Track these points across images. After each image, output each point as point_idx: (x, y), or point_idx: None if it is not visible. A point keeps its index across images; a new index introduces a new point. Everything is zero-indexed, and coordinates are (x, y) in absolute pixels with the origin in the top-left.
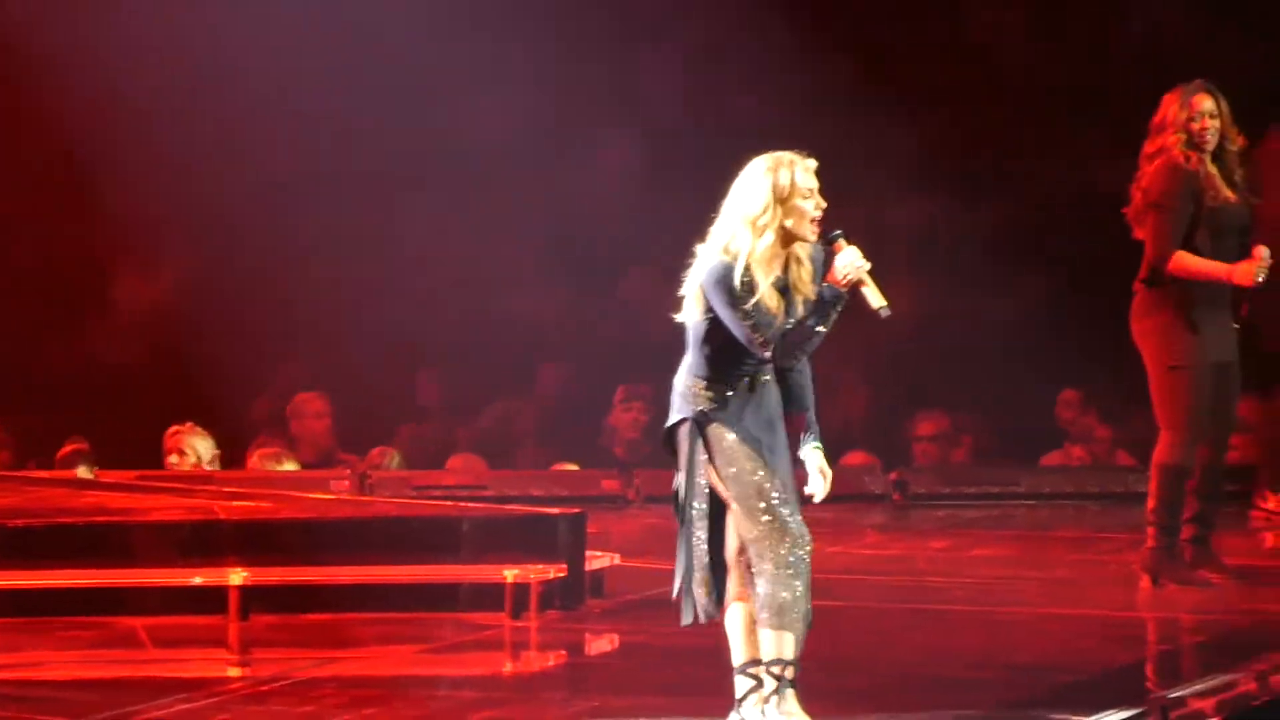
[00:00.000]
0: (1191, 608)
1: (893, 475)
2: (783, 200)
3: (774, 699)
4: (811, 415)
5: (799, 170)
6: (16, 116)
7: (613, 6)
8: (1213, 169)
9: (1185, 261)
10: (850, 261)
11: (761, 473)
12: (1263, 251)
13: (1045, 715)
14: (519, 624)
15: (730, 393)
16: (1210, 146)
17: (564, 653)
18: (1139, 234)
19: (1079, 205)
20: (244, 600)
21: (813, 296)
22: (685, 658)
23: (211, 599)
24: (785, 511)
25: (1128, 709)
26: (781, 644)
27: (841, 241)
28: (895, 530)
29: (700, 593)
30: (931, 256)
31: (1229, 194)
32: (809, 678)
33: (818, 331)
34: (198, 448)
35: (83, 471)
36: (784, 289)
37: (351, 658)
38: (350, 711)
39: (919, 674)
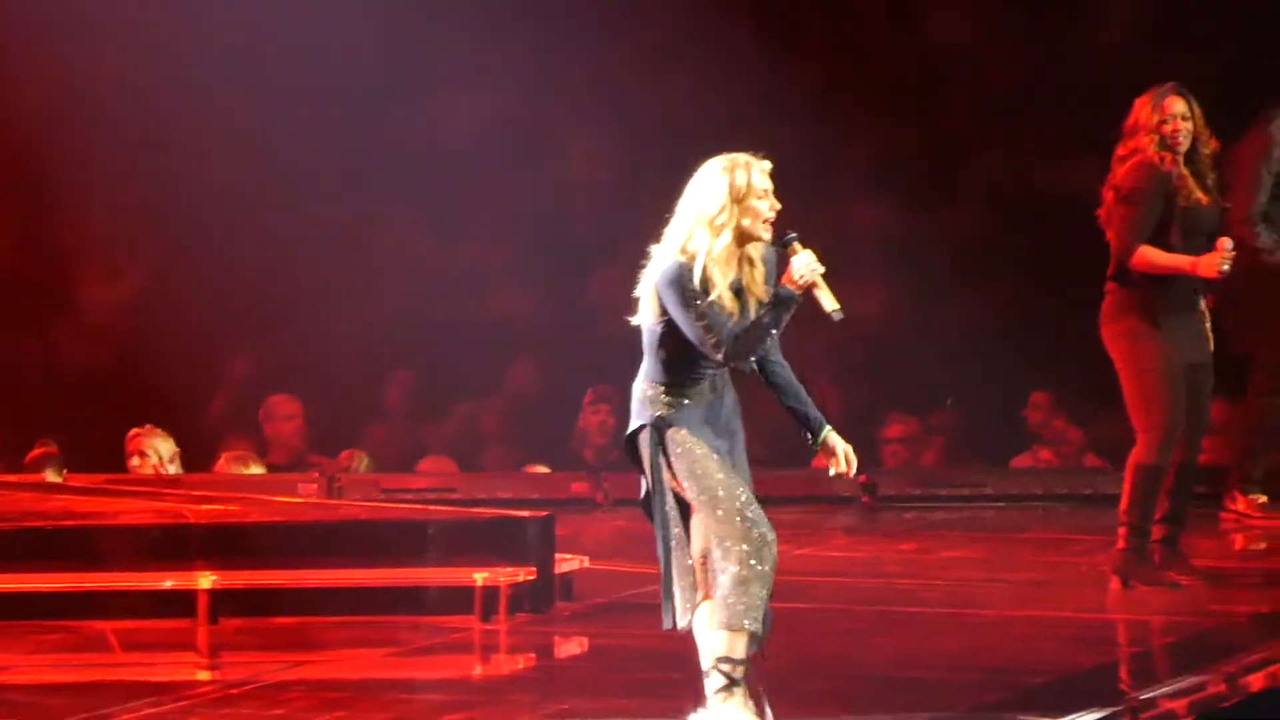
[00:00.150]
0: (1161, 609)
1: (862, 478)
2: (739, 200)
3: (720, 695)
4: (811, 404)
5: (755, 171)
6: None
7: (582, 8)
8: (1185, 171)
9: (1149, 256)
10: (806, 264)
11: (722, 475)
12: (1226, 243)
13: (1016, 717)
14: (488, 627)
15: (688, 398)
16: (1183, 149)
17: (534, 655)
18: (1110, 235)
19: (1043, 207)
20: (213, 604)
21: (765, 298)
22: (655, 660)
23: (180, 602)
24: (749, 513)
25: (1099, 710)
26: (734, 644)
27: (796, 245)
28: (864, 532)
29: (677, 598)
30: (896, 259)
31: (1201, 196)
32: (778, 680)
33: (771, 332)
34: (159, 448)
35: (51, 475)
36: (738, 290)
37: (320, 661)
38: (319, 714)
39: (889, 676)
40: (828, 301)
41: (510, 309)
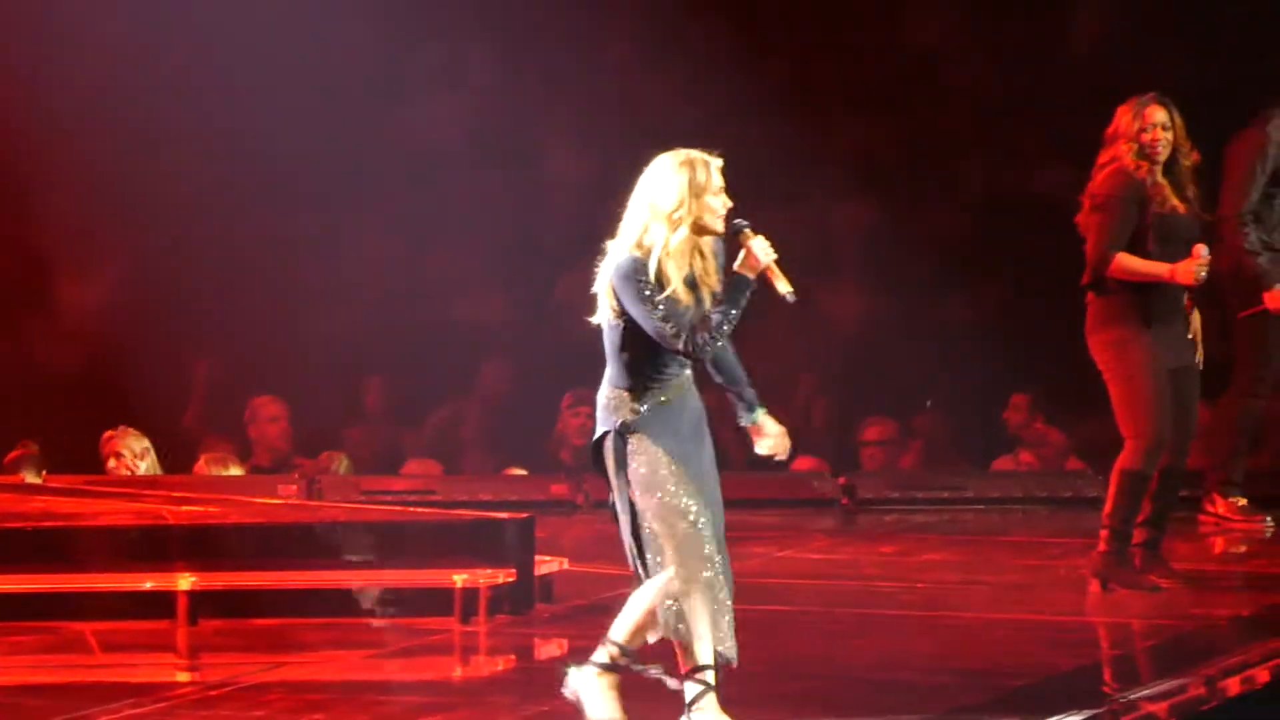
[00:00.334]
0: (1141, 612)
1: (841, 480)
2: (698, 195)
3: (695, 703)
4: (748, 385)
5: (711, 167)
6: None
7: (553, 12)
8: (1163, 180)
9: (1126, 263)
10: (763, 248)
11: (681, 489)
12: (1202, 250)
13: None
14: (468, 629)
15: (652, 403)
16: (1161, 158)
17: (513, 657)
18: (1087, 243)
19: (1024, 209)
20: (192, 605)
21: (718, 289)
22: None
23: (160, 604)
24: (703, 531)
25: (1078, 713)
26: (700, 651)
27: (748, 231)
28: (844, 535)
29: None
30: (875, 261)
31: (1178, 204)
32: (759, 682)
33: (731, 317)
34: (134, 448)
35: (29, 476)
36: (692, 283)
37: (300, 662)
38: (299, 716)
39: (869, 679)
40: (782, 285)
41: (483, 312)
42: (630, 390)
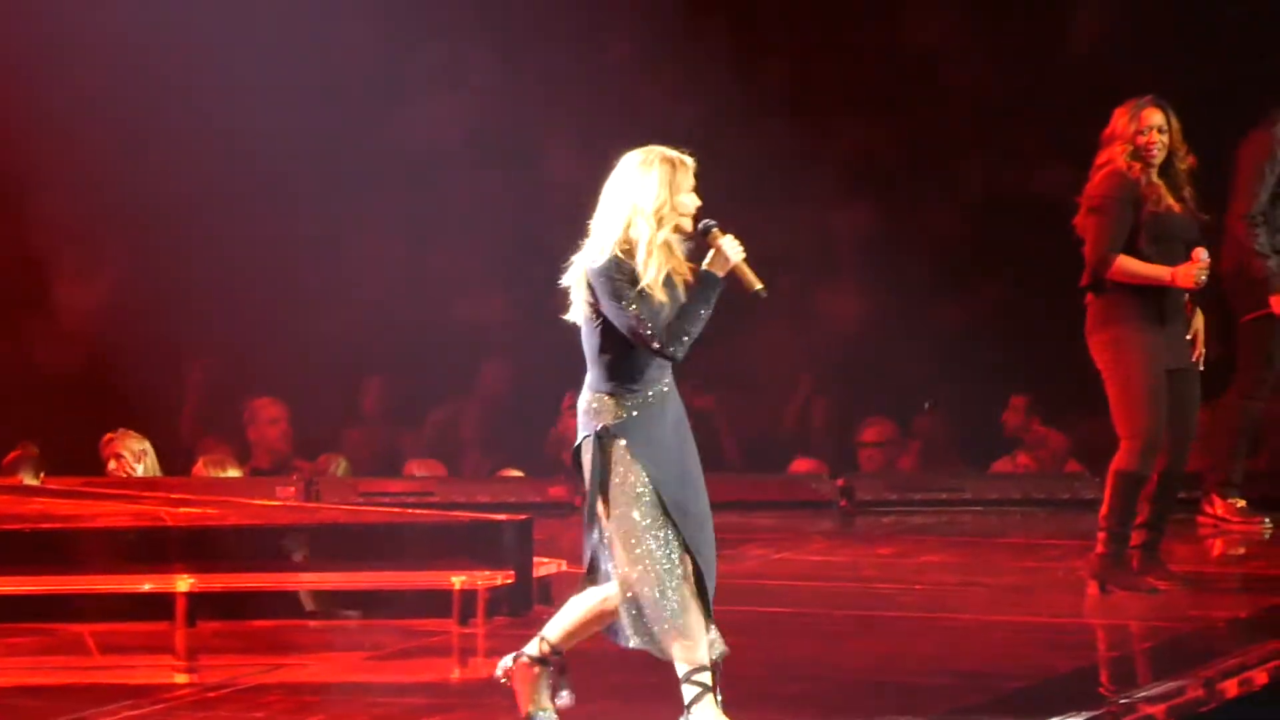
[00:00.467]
0: (1139, 614)
1: (839, 481)
2: (675, 192)
3: (693, 705)
4: None
5: (684, 165)
6: None
7: (553, 13)
8: (1158, 180)
9: (1126, 265)
10: (734, 246)
11: (643, 515)
12: (1201, 253)
13: None
14: (466, 630)
15: (634, 408)
16: (1157, 161)
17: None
18: (1086, 245)
19: (1023, 210)
20: (191, 606)
21: (682, 287)
22: (633, 664)
23: (158, 605)
24: (658, 553)
25: (1076, 715)
26: (689, 653)
27: (717, 231)
28: (842, 536)
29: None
30: (874, 262)
31: (1173, 204)
32: (756, 684)
33: (701, 315)
34: (132, 447)
35: (28, 478)
36: (669, 281)
37: (299, 664)
38: (297, 717)
39: (867, 681)
40: (753, 281)
41: (483, 312)
42: (612, 395)
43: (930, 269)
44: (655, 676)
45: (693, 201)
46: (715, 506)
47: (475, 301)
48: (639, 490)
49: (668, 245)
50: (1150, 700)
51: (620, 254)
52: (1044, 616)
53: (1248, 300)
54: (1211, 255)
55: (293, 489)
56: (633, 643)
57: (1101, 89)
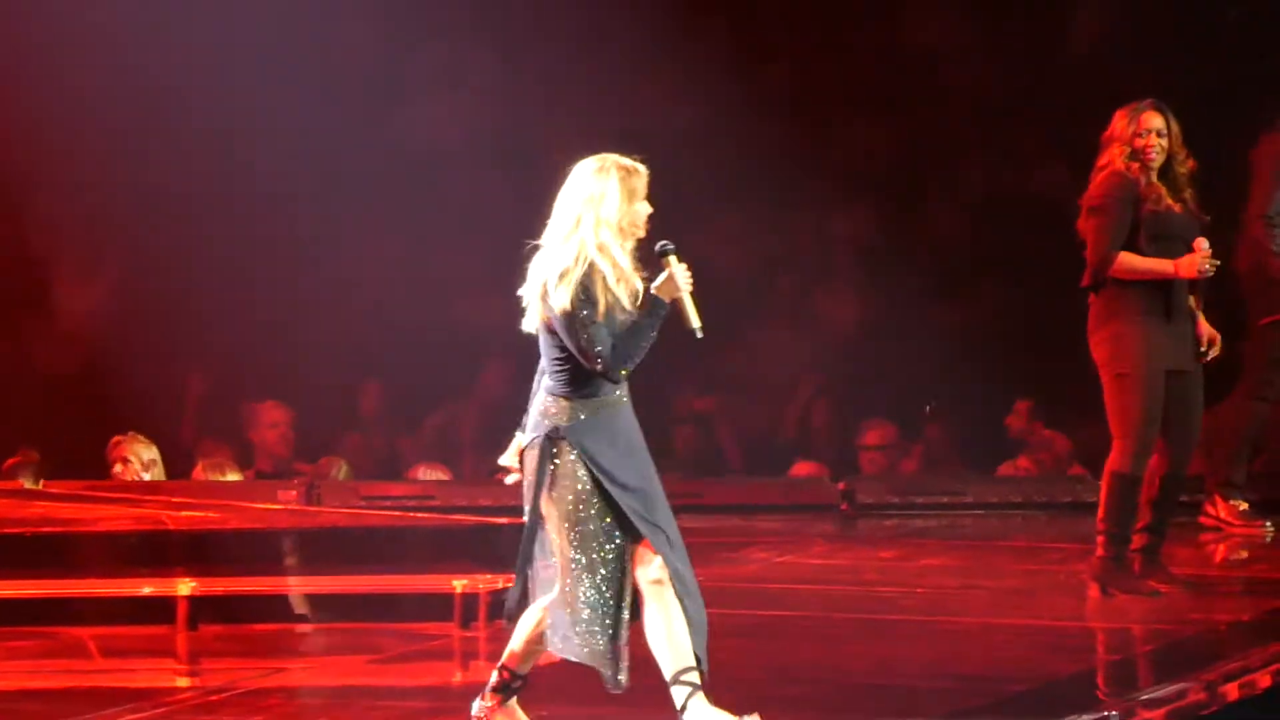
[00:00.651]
0: (1140, 617)
1: (841, 485)
2: (632, 200)
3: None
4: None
5: (639, 173)
6: None
7: (553, 14)
8: (1157, 182)
9: (1128, 261)
10: (680, 277)
11: (589, 519)
12: (1203, 244)
13: None
14: (468, 634)
15: (588, 412)
16: (1155, 163)
17: None
18: (1087, 247)
19: (1024, 213)
20: (192, 610)
21: (639, 288)
22: (633, 666)
23: (159, 609)
24: (596, 566)
25: (1078, 718)
26: (678, 655)
27: (673, 257)
28: (844, 540)
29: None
30: (874, 266)
31: (1172, 203)
32: (757, 686)
33: (650, 338)
34: (141, 455)
35: (28, 483)
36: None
37: (299, 668)
38: None
39: (868, 683)
40: (693, 318)
41: (483, 313)
42: (567, 399)
43: (931, 270)
44: (655, 678)
45: (646, 210)
46: (716, 509)
47: (475, 302)
48: (586, 492)
49: (631, 256)
50: (1152, 704)
51: (581, 271)
52: (1045, 619)
53: (1264, 300)
54: (1223, 255)
55: (294, 493)
56: (562, 652)
57: (1101, 89)
